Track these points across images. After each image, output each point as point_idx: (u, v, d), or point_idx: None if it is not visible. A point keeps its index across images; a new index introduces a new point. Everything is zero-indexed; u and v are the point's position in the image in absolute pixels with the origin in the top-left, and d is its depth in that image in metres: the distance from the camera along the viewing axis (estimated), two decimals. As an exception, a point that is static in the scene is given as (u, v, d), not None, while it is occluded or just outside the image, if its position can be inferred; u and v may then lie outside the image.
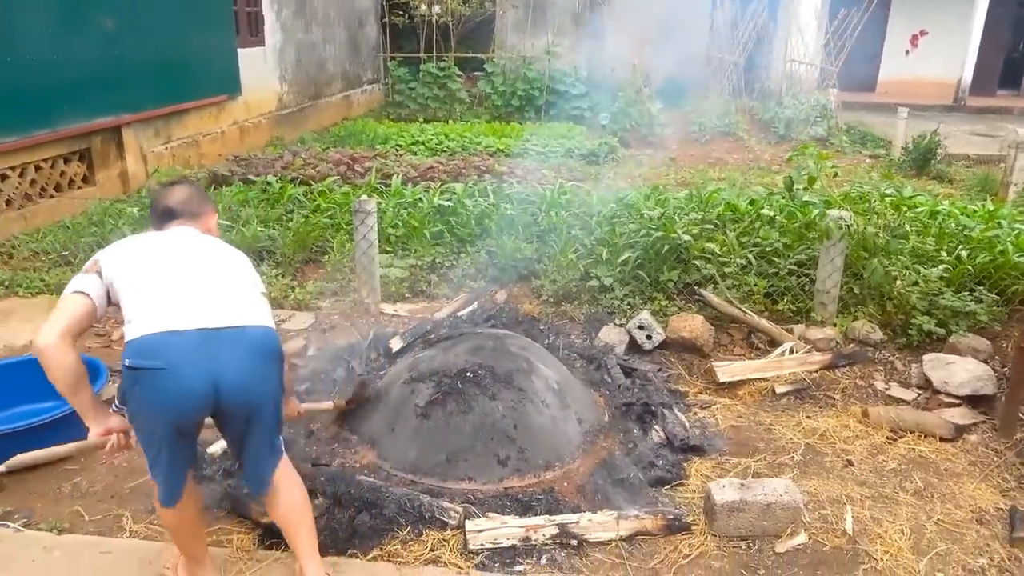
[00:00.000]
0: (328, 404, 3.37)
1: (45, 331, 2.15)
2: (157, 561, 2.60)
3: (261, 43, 10.24)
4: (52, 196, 6.45)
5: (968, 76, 15.82)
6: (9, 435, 3.05)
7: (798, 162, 4.76)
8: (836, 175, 4.94)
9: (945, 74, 16.42)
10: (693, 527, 2.83)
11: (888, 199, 4.74)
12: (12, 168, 5.99)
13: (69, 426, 3.19)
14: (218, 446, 3.26)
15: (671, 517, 2.82)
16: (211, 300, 2.19)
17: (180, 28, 8.01)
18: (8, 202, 5.99)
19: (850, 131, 11.68)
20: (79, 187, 6.81)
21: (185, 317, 2.11)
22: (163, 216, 2.51)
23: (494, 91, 13.07)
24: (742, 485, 2.85)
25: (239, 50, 9.37)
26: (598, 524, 2.77)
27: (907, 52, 17.70)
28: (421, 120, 11.99)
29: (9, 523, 2.83)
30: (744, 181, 8.03)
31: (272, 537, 2.74)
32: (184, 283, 2.21)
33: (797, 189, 4.74)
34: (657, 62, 13.63)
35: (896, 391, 3.95)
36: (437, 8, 13.34)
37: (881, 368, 4.17)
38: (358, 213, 4.50)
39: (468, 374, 3.28)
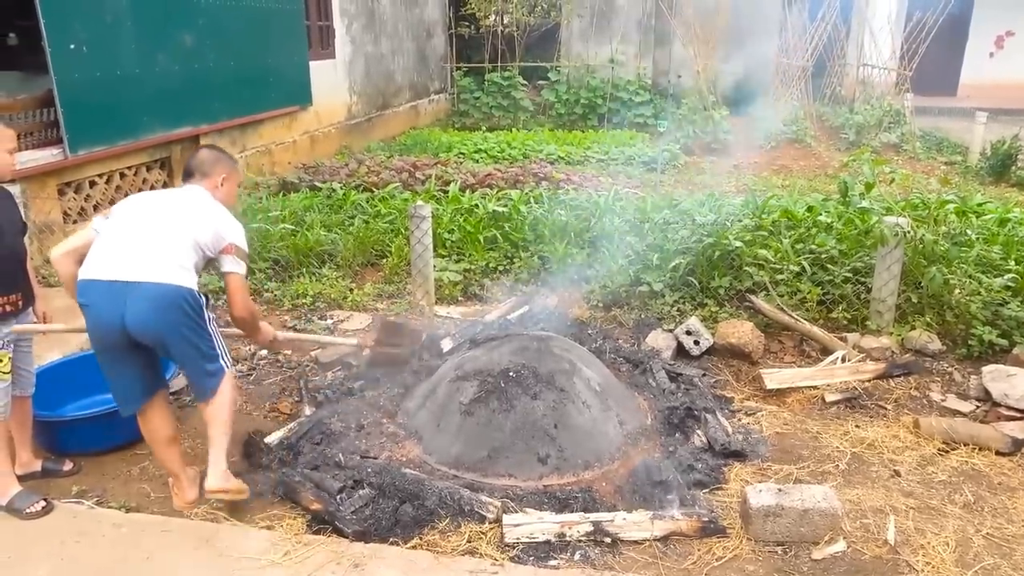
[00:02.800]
0: (352, 341, 3.68)
1: (55, 249, 2.98)
2: (214, 539, 2.78)
3: (332, 55, 10.61)
4: (135, 202, 6.85)
5: (1059, 79, 15.06)
6: (86, 420, 3.31)
7: (854, 168, 4.66)
8: (893, 180, 4.82)
9: (1032, 77, 15.66)
10: (729, 531, 2.85)
11: (951, 205, 4.60)
12: (100, 175, 6.41)
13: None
14: (275, 436, 3.44)
15: (706, 519, 2.84)
16: (129, 257, 2.79)
17: (256, 42, 8.40)
18: (96, 207, 6.41)
19: (925, 137, 11.28)
20: (160, 193, 7.22)
21: (105, 270, 2.78)
22: (184, 174, 3.15)
23: (557, 99, 13.16)
24: (779, 490, 2.84)
25: (311, 63, 9.74)
26: (633, 523, 2.82)
27: (991, 54, 16.96)
28: (484, 129, 12.18)
29: (84, 501, 3.07)
30: (807, 187, 7.88)
31: (320, 523, 2.90)
32: (121, 240, 2.85)
33: (853, 195, 4.65)
34: (725, 68, 13.51)
35: (953, 402, 3.85)
36: (505, 18, 13.54)
37: (938, 379, 4.06)
38: (414, 218, 4.66)
39: (511, 373, 3.37)
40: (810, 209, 5.28)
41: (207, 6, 7.50)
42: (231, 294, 3.00)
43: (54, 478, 3.23)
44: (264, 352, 4.39)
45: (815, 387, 3.95)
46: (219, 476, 2.92)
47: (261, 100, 8.69)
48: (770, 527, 2.80)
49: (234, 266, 2.95)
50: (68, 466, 3.25)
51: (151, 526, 2.88)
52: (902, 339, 4.27)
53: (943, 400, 3.87)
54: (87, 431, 3.36)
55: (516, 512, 2.91)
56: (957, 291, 4.10)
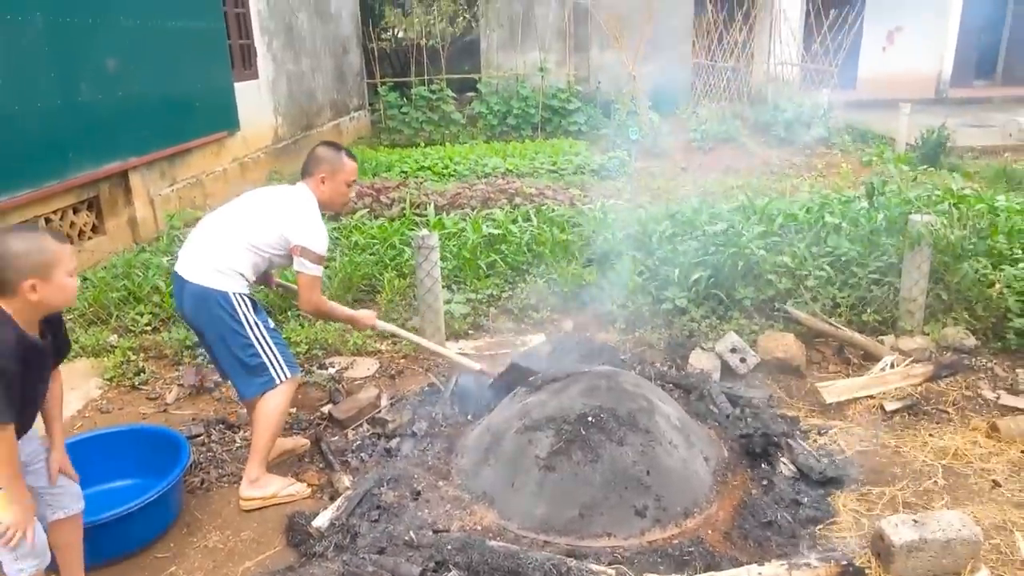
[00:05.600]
0: (475, 365, 3.67)
1: None
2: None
3: (255, 76, 9.94)
4: (64, 249, 6.09)
5: (948, 69, 16.05)
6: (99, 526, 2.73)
7: (877, 167, 4.59)
8: (915, 179, 4.79)
9: (924, 68, 16.60)
10: (867, 571, 2.61)
11: (970, 200, 4.59)
12: (23, 223, 5.63)
13: (161, 507, 2.91)
14: (323, 518, 2.97)
15: (844, 563, 2.60)
16: (186, 253, 3.08)
17: (180, 66, 7.70)
18: (21, 259, 5.62)
19: (850, 130, 11.67)
20: (89, 237, 6.46)
21: (178, 260, 3.11)
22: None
23: (488, 111, 12.88)
24: (915, 522, 2.64)
25: (235, 84, 9.07)
26: (769, 577, 2.54)
27: (884, 49, 17.89)
28: (422, 144, 11.74)
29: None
30: (763, 188, 7.90)
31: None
32: (192, 235, 3.13)
33: (879, 196, 4.58)
34: (646, 71, 13.60)
35: (1008, 400, 3.78)
36: (427, 30, 13.13)
37: (983, 376, 4.01)
38: (421, 249, 4.25)
39: (590, 419, 3.04)
40: (808, 211, 5.21)
41: (128, 28, 6.79)
42: (298, 291, 3.20)
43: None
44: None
45: (871, 396, 3.81)
46: (244, 484, 3.11)
47: (189, 128, 7.98)
48: (912, 563, 2.58)
49: (299, 266, 3.08)
50: None
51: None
52: (937, 338, 4.20)
53: (997, 398, 3.80)
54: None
55: (636, 579, 2.58)
56: (996, 285, 4.06)
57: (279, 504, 3.11)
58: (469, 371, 3.72)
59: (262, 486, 3.13)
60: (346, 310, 3.46)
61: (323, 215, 3.23)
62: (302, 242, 3.04)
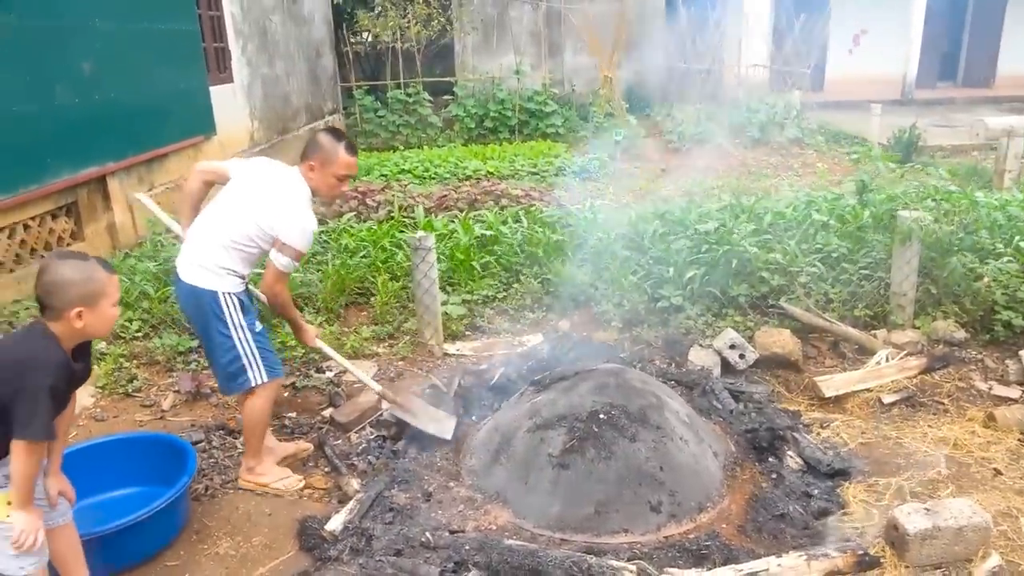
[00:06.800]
0: (377, 386, 3.58)
1: (201, 161, 3.48)
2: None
3: (230, 79, 9.80)
4: (43, 256, 5.94)
5: (913, 71, 16.41)
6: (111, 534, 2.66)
7: (865, 166, 4.67)
8: (902, 176, 4.88)
9: (889, 70, 16.96)
10: (882, 560, 2.65)
11: (955, 196, 4.69)
12: (1, 229, 5.48)
13: (170, 515, 2.85)
14: (336, 521, 2.92)
15: (860, 552, 2.63)
16: (184, 251, 3.07)
17: (156, 68, 7.56)
18: (-1, 266, 5.48)
19: (823, 130, 11.87)
20: (68, 243, 6.30)
21: (177, 257, 3.11)
22: None
23: (466, 114, 12.85)
24: (927, 511, 2.68)
25: (211, 88, 8.94)
26: (789, 569, 2.56)
27: (850, 51, 18.25)
28: (400, 148, 11.68)
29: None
30: (741, 188, 8.00)
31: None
32: (194, 224, 3.10)
33: (869, 193, 4.66)
34: (620, 74, 13.71)
35: (1000, 390, 3.88)
36: (402, 34, 13.04)
37: (974, 367, 4.09)
38: (417, 250, 4.22)
39: (601, 416, 3.05)
40: (794, 208, 5.28)
41: (102, 30, 6.65)
42: (264, 273, 3.09)
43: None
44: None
45: (869, 389, 3.87)
46: (243, 471, 3.24)
47: (166, 132, 7.83)
48: (926, 551, 2.63)
49: (274, 256, 3.01)
50: None
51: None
52: (928, 331, 4.29)
53: (990, 389, 3.89)
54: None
55: (656, 575, 2.58)
56: (985, 279, 4.16)
57: (275, 495, 3.18)
58: (372, 392, 3.65)
59: (258, 474, 3.23)
60: (298, 316, 3.34)
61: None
62: (283, 238, 2.98)
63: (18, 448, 1.98)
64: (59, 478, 2.32)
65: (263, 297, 3.20)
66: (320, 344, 3.48)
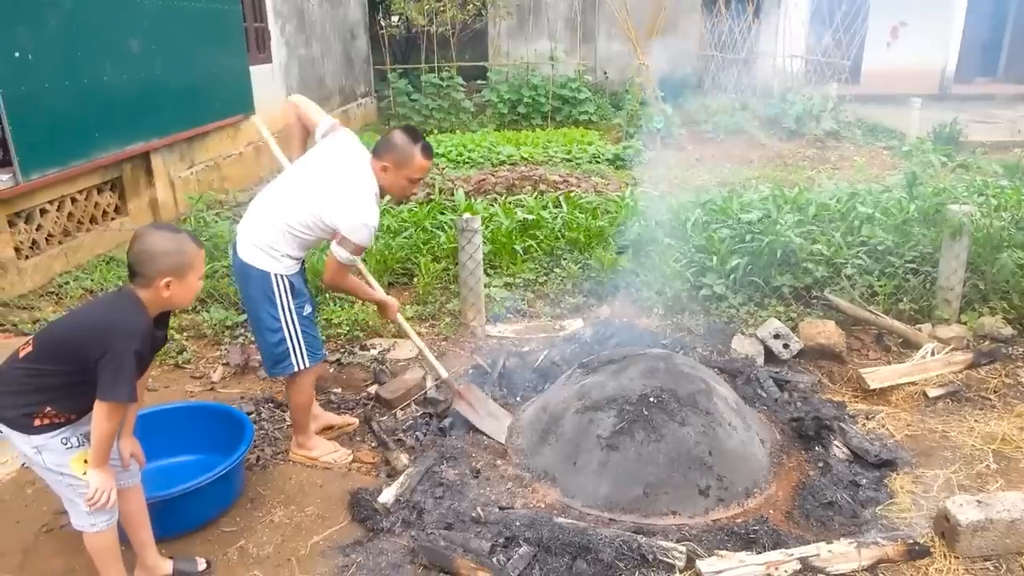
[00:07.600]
0: (444, 372, 3.66)
1: (297, 95, 3.38)
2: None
3: (268, 60, 9.89)
4: (89, 229, 6.07)
5: (952, 65, 16.13)
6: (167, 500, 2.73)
7: (917, 158, 4.63)
8: (954, 170, 4.83)
9: (928, 64, 16.68)
10: (931, 550, 2.66)
11: (1007, 191, 4.64)
12: (51, 202, 5.60)
13: (229, 482, 2.92)
14: (388, 495, 2.98)
15: (911, 541, 2.64)
16: (242, 228, 3.06)
17: (199, 47, 7.65)
18: (48, 238, 5.60)
19: (860, 124, 11.72)
20: (112, 218, 6.43)
21: (237, 232, 3.10)
22: None
23: (499, 99, 12.84)
24: (979, 503, 2.68)
25: (250, 68, 9.02)
26: (840, 555, 2.58)
27: (888, 44, 17.95)
28: (435, 132, 11.71)
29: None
30: (780, 179, 7.94)
31: (491, 595, 2.50)
32: (251, 207, 3.10)
33: (919, 186, 4.62)
34: (655, 62, 13.61)
35: (1047, 387, 3.84)
36: (438, 17, 13.05)
37: (1022, 364, 4.06)
38: (464, 232, 4.26)
39: (651, 399, 3.07)
40: (839, 200, 5.24)
41: (150, 8, 6.73)
42: (325, 267, 3.10)
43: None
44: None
45: (914, 383, 3.86)
46: (293, 446, 3.33)
47: (207, 110, 7.94)
48: (977, 542, 2.63)
49: (335, 249, 3.00)
50: (202, 566, 2.63)
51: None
52: (974, 327, 4.25)
53: (1037, 386, 3.86)
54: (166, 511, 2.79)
55: (706, 556, 2.61)
56: (1037, 275, 4.12)
57: (324, 467, 3.25)
58: (438, 376, 3.70)
59: (308, 448, 3.31)
60: (374, 293, 3.38)
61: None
62: (344, 232, 2.94)
63: (101, 409, 2.05)
64: (132, 440, 2.40)
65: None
66: (400, 320, 3.51)
